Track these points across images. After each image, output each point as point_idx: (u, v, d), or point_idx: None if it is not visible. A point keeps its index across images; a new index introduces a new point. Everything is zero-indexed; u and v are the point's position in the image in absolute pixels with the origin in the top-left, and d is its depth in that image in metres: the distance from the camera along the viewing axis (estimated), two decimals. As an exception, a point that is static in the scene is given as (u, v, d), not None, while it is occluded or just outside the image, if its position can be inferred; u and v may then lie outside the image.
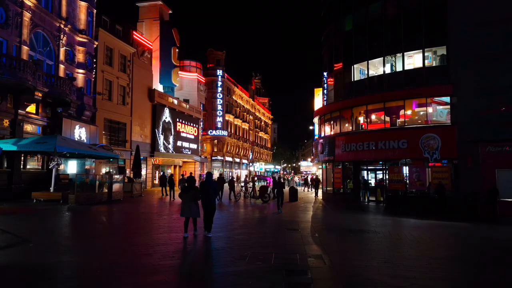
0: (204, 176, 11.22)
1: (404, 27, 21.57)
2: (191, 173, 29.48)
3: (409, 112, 21.46)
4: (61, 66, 24.04)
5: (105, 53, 30.17)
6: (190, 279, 6.20)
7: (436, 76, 20.52)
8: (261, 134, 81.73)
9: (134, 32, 34.98)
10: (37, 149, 18.73)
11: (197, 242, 9.72)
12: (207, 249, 9.07)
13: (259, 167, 78.07)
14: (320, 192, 28.41)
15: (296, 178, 56.32)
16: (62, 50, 24.07)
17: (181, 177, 27.70)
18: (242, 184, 28.48)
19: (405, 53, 21.43)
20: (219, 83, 54.05)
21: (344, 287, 6.17)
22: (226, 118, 56.73)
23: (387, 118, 21.92)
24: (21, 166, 20.79)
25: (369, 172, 24.44)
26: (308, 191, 37.05)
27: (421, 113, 21.16)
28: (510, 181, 17.28)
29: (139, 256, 7.82)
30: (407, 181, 20.47)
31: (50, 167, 19.39)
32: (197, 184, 12.05)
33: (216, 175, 40.25)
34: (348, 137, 23.52)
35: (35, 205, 17.17)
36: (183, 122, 43.58)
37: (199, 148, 48.60)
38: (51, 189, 18.97)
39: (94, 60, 27.84)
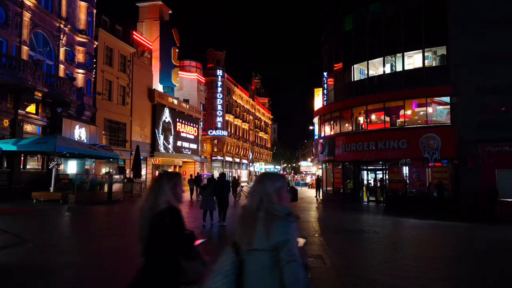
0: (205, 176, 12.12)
1: (404, 27, 21.57)
2: (198, 173, 29.63)
3: (409, 112, 21.46)
4: (61, 66, 24.04)
5: (105, 53, 30.17)
6: (190, 279, 6.20)
7: (436, 76, 20.52)
8: (261, 134, 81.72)
9: (134, 32, 34.98)
10: (37, 149, 18.73)
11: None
12: (207, 249, 9.06)
13: (259, 167, 78.03)
14: (320, 192, 28.40)
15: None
16: (62, 50, 24.07)
17: (189, 177, 28.01)
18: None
19: (405, 53, 21.43)
20: (219, 83, 54.02)
21: (344, 287, 6.16)
22: (226, 118, 56.70)
23: (387, 118, 21.92)
24: (21, 166, 20.80)
25: (369, 172, 24.44)
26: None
27: (421, 113, 21.15)
28: (510, 181, 17.28)
29: (139, 256, 7.80)
30: (407, 181, 20.46)
31: (50, 167, 19.39)
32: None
33: (216, 175, 40.36)
34: (348, 137, 23.51)
35: (35, 205, 17.17)
36: (183, 122, 43.58)
37: (199, 148, 48.59)
38: (51, 189, 18.96)
39: (94, 60, 27.83)
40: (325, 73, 28.93)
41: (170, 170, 41.96)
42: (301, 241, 2.02)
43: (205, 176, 31.49)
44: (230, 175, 57.67)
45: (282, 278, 1.82)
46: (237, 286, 1.95)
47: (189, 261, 2.24)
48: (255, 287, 1.90)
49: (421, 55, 20.87)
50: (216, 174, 44.43)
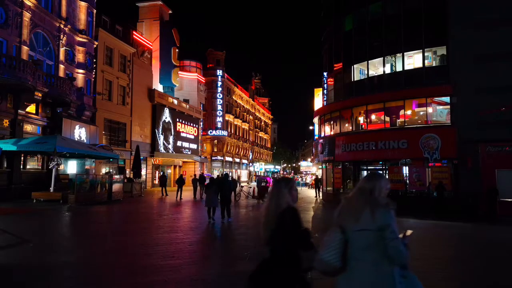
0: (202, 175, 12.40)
1: (404, 27, 21.54)
2: (202, 173, 29.82)
3: (409, 112, 21.44)
4: (61, 66, 24.04)
5: (105, 53, 30.18)
6: (190, 279, 6.21)
7: (436, 76, 20.50)
8: (261, 134, 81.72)
9: (134, 32, 35.00)
10: (37, 149, 18.74)
11: (198, 242, 9.73)
12: (207, 249, 9.07)
13: (259, 167, 78.05)
14: (320, 192, 28.38)
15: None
16: (62, 50, 24.08)
17: (193, 177, 28.67)
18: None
19: (405, 53, 21.40)
20: (219, 83, 54.04)
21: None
22: (226, 118, 56.72)
23: (387, 118, 21.90)
24: (21, 166, 20.80)
25: (369, 172, 24.39)
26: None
27: (421, 113, 21.14)
28: (510, 181, 17.27)
29: (139, 256, 7.81)
30: (407, 181, 20.45)
31: (50, 167, 19.40)
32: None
33: (216, 175, 40.59)
34: (348, 137, 23.50)
35: (35, 205, 17.18)
36: (183, 122, 43.58)
37: (199, 148, 48.60)
38: (51, 189, 18.97)
39: (94, 60, 27.84)
40: (325, 73, 28.91)
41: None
42: (408, 232, 2.76)
43: (205, 175, 31.60)
44: (230, 175, 57.67)
45: (387, 251, 2.44)
46: (342, 258, 2.56)
47: (306, 251, 2.80)
48: (363, 258, 2.49)
49: (421, 55, 20.85)
50: (216, 174, 44.95)
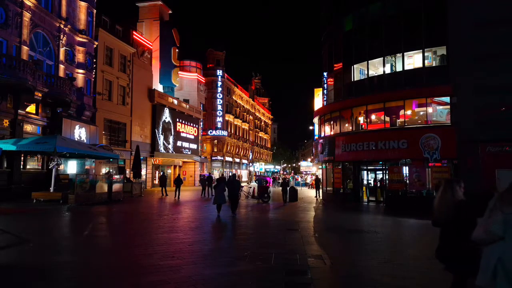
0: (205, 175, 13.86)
1: (404, 27, 21.55)
2: (209, 173, 30.05)
3: (409, 112, 21.44)
4: (61, 66, 24.05)
5: (105, 53, 30.18)
6: (190, 279, 6.21)
7: (436, 76, 20.49)
8: (261, 134, 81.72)
9: (134, 32, 35.00)
10: (37, 149, 18.73)
11: (198, 242, 9.73)
12: (207, 249, 9.07)
13: (259, 167, 78.04)
14: (320, 192, 28.37)
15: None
16: (62, 50, 24.08)
17: (199, 177, 30.09)
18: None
19: (405, 53, 21.40)
20: (219, 83, 54.05)
21: (344, 287, 6.16)
22: (226, 118, 56.72)
23: (387, 118, 21.90)
24: (21, 166, 20.80)
25: (369, 172, 24.42)
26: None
27: (421, 113, 21.15)
28: (510, 181, 17.22)
29: (139, 256, 7.81)
30: (407, 181, 20.45)
31: (50, 167, 19.40)
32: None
33: (216, 175, 40.76)
34: (348, 137, 23.50)
35: (35, 205, 17.17)
36: (183, 122, 43.59)
37: (199, 148, 48.60)
38: (51, 189, 18.97)
39: (94, 60, 27.84)
40: (325, 73, 28.91)
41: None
42: None
43: (206, 175, 31.74)
44: (230, 175, 57.63)
45: None
46: (503, 230, 3.49)
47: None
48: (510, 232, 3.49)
49: (421, 55, 20.85)
50: (216, 174, 45.36)
